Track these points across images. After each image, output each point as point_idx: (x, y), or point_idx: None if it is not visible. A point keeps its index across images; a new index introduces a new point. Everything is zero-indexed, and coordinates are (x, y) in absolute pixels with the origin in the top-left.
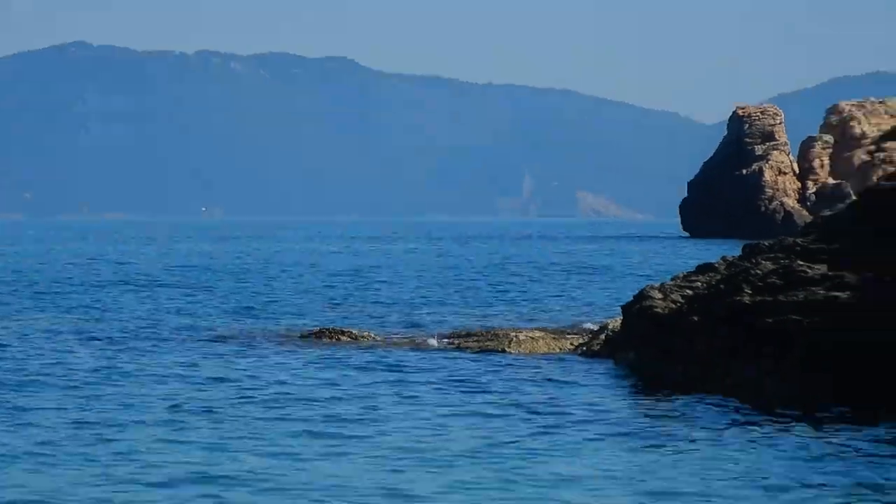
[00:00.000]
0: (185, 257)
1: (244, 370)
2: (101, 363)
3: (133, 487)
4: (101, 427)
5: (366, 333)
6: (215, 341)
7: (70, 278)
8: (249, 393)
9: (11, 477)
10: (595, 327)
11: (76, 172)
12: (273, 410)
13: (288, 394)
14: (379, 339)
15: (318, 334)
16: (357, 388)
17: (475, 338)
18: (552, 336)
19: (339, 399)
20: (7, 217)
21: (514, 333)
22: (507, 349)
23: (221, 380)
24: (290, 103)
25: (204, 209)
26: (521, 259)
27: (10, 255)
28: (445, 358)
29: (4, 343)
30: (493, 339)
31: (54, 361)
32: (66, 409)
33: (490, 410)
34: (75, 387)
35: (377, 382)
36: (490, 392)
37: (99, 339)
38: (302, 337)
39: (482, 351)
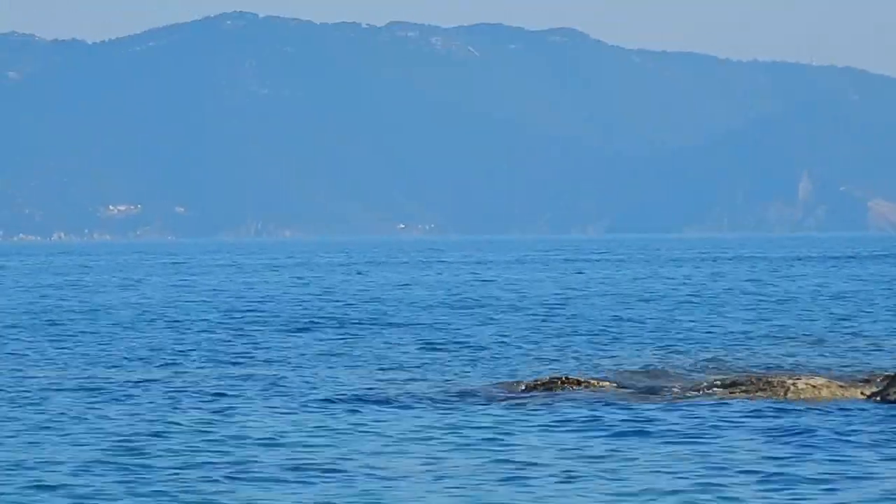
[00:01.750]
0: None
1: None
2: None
3: None
4: None
5: (605, 382)
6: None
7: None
8: None
9: None
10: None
11: (236, 179)
12: None
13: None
14: (614, 387)
15: (548, 384)
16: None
17: (742, 386)
18: (838, 384)
19: None
20: (152, 237)
21: (790, 381)
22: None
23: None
24: (510, 83)
25: (402, 226)
26: (795, 285)
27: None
28: (715, 413)
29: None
30: (765, 388)
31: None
32: None
33: None
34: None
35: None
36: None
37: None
38: (526, 388)
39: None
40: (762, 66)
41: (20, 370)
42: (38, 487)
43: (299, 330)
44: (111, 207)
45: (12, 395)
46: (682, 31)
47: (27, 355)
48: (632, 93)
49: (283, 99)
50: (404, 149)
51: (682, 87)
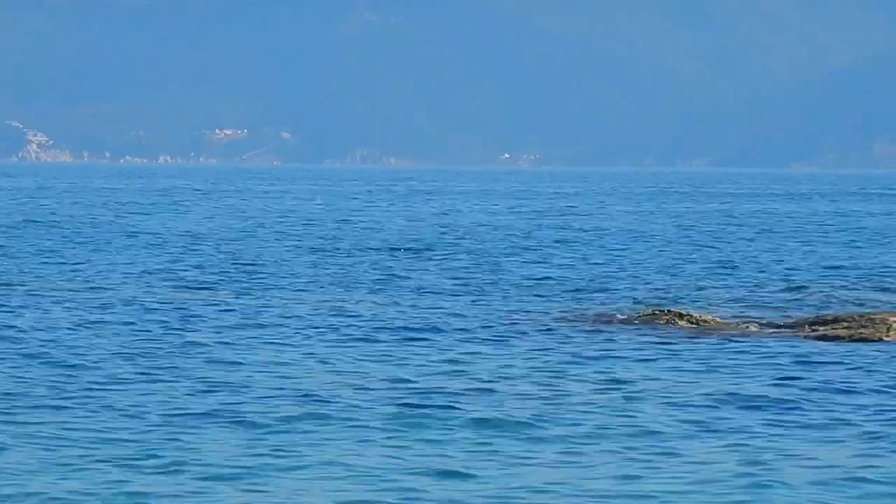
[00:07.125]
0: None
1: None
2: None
3: None
4: None
5: (709, 317)
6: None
7: None
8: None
9: None
10: None
11: (341, 106)
12: None
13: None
14: (723, 322)
15: (651, 316)
16: None
17: (845, 323)
18: None
19: None
20: (257, 161)
21: (892, 318)
22: (884, 337)
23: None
24: (621, 15)
25: (506, 156)
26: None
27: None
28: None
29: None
30: (867, 326)
31: None
32: None
33: None
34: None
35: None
36: None
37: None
38: (629, 320)
39: (853, 340)
40: (876, 3)
41: None
42: None
43: None
44: (217, 131)
45: None
46: None
47: None
48: (742, 27)
49: (392, 26)
50: (510, 79)
51: (793, 22)
